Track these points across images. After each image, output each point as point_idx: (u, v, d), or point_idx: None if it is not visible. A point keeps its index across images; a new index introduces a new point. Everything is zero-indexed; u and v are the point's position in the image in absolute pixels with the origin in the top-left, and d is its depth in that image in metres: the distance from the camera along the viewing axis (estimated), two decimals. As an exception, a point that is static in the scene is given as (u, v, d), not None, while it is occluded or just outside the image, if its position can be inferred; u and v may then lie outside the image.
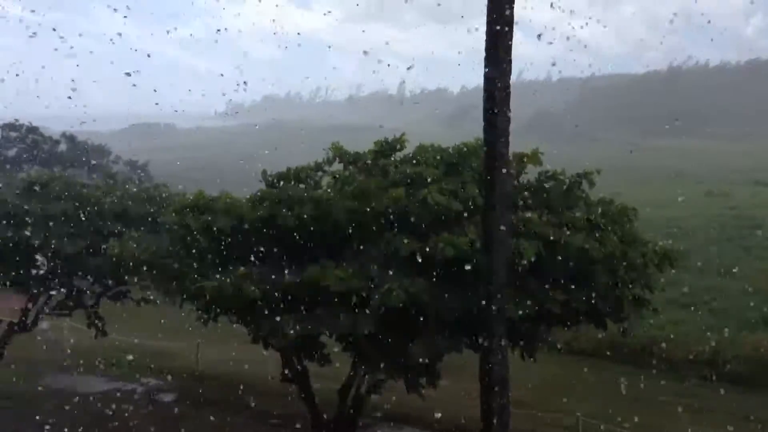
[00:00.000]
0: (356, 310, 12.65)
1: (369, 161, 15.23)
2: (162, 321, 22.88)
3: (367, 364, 13.96)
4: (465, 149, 14.67)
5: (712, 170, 70.53)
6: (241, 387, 23.36)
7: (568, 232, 12.56)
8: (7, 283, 21.78)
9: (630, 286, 13.73)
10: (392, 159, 15.27)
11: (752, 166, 69.88)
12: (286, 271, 13.22)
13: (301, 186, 15.17)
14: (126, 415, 21.81)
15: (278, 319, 13.02)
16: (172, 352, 29.26)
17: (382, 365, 13.55)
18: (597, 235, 12.94)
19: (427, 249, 12.23)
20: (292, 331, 12.76)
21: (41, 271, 21.46)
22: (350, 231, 13.50)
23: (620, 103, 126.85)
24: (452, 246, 11.89)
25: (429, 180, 13.49)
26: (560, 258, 12.30)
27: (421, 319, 12.43)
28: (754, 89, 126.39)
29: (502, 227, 7.73)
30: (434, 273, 12.33)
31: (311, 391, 16.75)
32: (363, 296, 12.41)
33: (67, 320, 28.20)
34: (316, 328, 13.09)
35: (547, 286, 12.58)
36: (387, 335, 12.81)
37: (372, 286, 12.36)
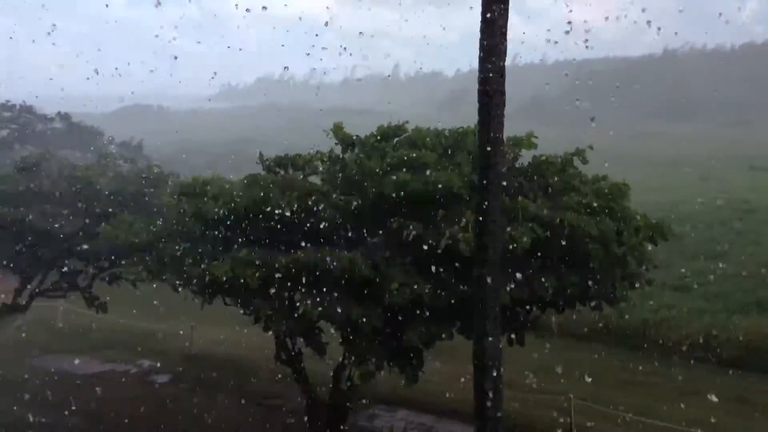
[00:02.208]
0: (363, 300, 12.71)
1: (369, 145, 15.20)
2: (156, 302, 22.90)
3: (357, 352, 13.96)
4: (461, 132, 14.70)
5: (707, 155, 70.52)
6: (235, 368, 23.43)
7: (562, 214, 12.56)
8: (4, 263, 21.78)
9: (623, 265, 13.73)
10: (392, 143, 15.24)
11: (747, 151, 69.99)
12: (282, 255, 13.20)
13: (298, 172, 15.12)
14: (120, 396, 21.88)
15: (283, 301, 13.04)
16: (166, 334, 29.29)
17: (371, 353, 13.60)
18: (590, 215, 12.93)
19: (431, 243, 12.23)
20: (301, 309, 12.72)
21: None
22: (349, 216, 13.50)
23: (615, 87, 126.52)
24: (467, 242, 11.74)
25: (426, 163, 13.51)
26: (554, 239, 12.31)
27: (418, 309, 12.50)
28: (748, 74, 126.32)
29: (496, 210, 7.72)
30: (434, 261, 12.36)
31: (305, 372, 16.80)
32: (370, 283, 12.47)
33: (61, 301, 28.22)
34: (325, 313, 13.08)
35: (537, 272, 12.60)
36: (384, 324, 12.87)
37: (379, 274, 12.40)
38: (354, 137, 15.65)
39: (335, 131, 15.65)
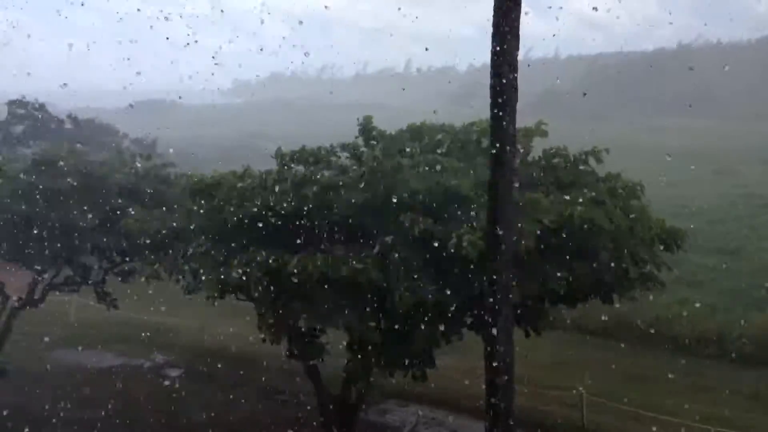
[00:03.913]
0: (365, 304, 12.72)
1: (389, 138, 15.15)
2: (167, 297, 22.94)
3: (363, 362, 13.97)
4: (475, 129, 14.66)
5: (721, 149, 69.92)
6: (247, 363, 23.48)
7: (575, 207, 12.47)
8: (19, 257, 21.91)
9: (636, 262, 13.64)
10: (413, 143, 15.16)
11: (763, 145, 69.29)
12: (295, 258, 13.18)
13: (318, 165, 15.08)
14: (134, 390, 22.00)
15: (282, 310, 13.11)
16: (179, 329, 29.42)
17: (378, 363, 13.65)
18: (602, 208, 12.84)
19: (441, 243, 12.19)
20: (299, 324, 12.81)
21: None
22: (363, 212, 13.49)
23: (629, 82, 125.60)
24: (473, 245, 11.68)
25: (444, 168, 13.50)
26: (565, 233, 12.24)
27: (424, 313, 12.51)
28: (764, 68, 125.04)
29: (509, 204, 7.68)
30: (443, 260, 12.34)
31: (317, 368, 16.81)
32: (378, 289, 12.48)
33: (74, 296, 28.37)
34: (323, 322, 13.11)
35: (550, 266, 12.53)
36: (390, 329, 12.89)
37: (387, 279, 12.40)
38: (381, 130, 15.59)
39: (365, 124, 15.55)
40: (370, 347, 13.24)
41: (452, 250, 11.82)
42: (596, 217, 12.33)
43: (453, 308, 12.42)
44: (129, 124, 61.52)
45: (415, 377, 13.96)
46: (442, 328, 12.84)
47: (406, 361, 13.48)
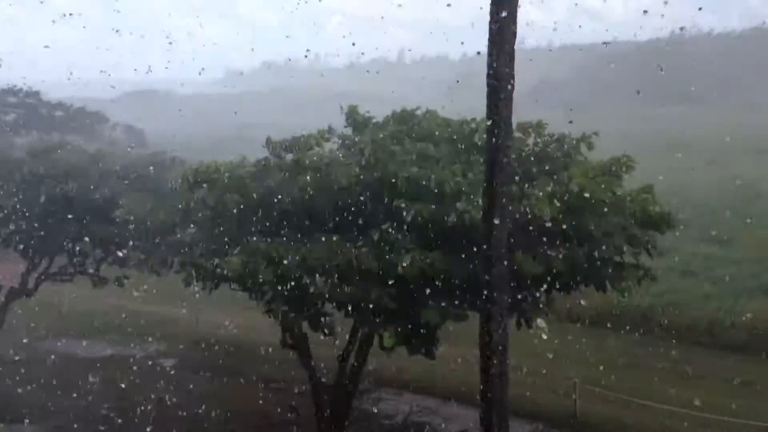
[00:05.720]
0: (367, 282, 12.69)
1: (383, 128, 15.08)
2: (161, 287, 22.90)
3: (372, 326, 13.92)
4: (472, 125, 14.61)
5: (714, 139, 70.06)
6: (241, 352, 23.51)
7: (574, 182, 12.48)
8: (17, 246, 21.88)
9: (630, 242, 13.63)
10: (406, 130, 15.11)
11: (756, 136, 69.38)
12: (293, 244, 13.13)
13: (309, 152, 15.02)
14: (126, 379, 21.99)
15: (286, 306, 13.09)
16: (173, 318, 29.41)
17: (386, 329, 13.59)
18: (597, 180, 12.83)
19: (444, 217, 12.18)
20: (312, 289, 12.73)
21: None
22: (359, 200, 13.44)
23: (622, 71, 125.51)
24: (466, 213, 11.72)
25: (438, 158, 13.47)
26: (562, 213, 12.27)
27: (430, 286, 12.47)
28: (757, 58, 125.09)
29: (504, 192, 7.69)
30: (444, 241, 12.35)
31: (311, 356, 16.83)
32: (377, 270, 12.45)
33: (68, 285, 28.32)
34: (335, 297, 13.04)
35: (549, 244, 12.51)
36: (395, 301, 12.86)
37: (386, 258, 12.36)
38: (367, 118, 15.54)
39: (350, 114, 15.54)
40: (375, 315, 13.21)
41: (452, 223, 11.84)
42: (594, 190, 12.29)
43: (456, 284, 12.37)
44: (122, 114, 61.34)
45: (425, 355, 13.94)
46: (448, 305, 12.76)
47: (413, 336, 13.45)
